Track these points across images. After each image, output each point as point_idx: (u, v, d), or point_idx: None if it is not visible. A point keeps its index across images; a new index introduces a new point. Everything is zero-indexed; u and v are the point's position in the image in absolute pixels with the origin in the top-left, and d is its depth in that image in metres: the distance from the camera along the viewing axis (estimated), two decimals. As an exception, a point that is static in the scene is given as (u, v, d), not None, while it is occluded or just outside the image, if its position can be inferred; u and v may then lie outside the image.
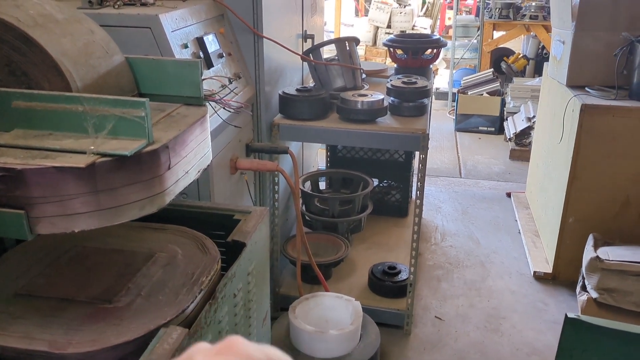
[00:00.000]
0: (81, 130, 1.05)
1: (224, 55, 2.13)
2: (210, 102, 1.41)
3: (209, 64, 1.99)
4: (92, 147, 1.01)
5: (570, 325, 1.50)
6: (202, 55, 1.95)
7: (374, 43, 8.01)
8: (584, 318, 1.50)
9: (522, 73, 6.68)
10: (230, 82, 2.15)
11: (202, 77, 1.33)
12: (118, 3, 1.83)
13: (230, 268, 1.32)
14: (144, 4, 1.90)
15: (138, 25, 1.76)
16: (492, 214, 4.06)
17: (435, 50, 3.26)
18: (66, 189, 0.98)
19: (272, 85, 2.56)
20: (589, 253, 2.71)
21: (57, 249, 1.39)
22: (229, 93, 1.84)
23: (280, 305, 2.73)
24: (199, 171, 1.27)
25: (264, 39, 2.32)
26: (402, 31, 7.77)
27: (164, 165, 1.09)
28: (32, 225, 0.99)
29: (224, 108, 1.57)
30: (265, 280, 1.62)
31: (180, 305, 1.16)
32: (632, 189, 2.91)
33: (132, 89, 1.30)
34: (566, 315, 1.51)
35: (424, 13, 8.99)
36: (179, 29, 1.85)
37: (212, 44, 2.03)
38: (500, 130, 5.69)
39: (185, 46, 1.86)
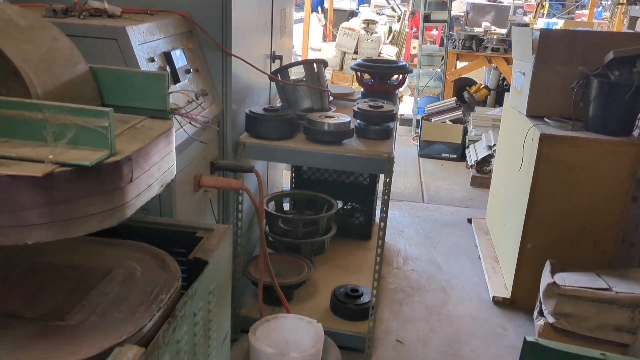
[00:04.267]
0: (40, 139, 1.02)
1: (191, 71, 2.11)
2: (176, 116, 1.38)
3: (176, 79, 1.96)
4: (50, 156, 0.97)
5: (529, 348, 1.52)
6: (168, 70, 1.93)
7: (341, 68, 8.10)
8: (542, 342, 1.52)
9: (483, 103, 6.87)
10: (197, 98, 2.13)
11: (169, 91, 1.31)
12: (84, 14, 1.79)
13: (191, 286, 1.28)
14: (110, 16, 1.86)
15: (104, 36, 1.73)
16: (453, 240, 4.11)
17: (401, 76, 3.31)
18: (20, 199, 0.93)
19: (239, 104, 2.55)
20: (546, 279, 2.76)
21: (6, 264, 1.33)
22: (196, 108, 1.82)
23: (241, 327, 2.67)
24: (162, 185, 1.24)
25: (233, 57, 2.32)
26: (368, 57, 7.90)
27: (125, 178, 1.06)
28: (-19, 236, 0.94)
29: (190, 123, 1.55)
30: (226, 300, 1.59)
31: (137, 324, 1.12)
32: (587, 218, 2.99)
33: (95, 99, 1.27)
34: (525, 339, 1.52)
35: (390, 41, 9.17)
36: (146, 43, 1.83)
37: (179, 59, 2.01)
38: (462, 158, 5.81)
39: (152, 60, 1.83)
